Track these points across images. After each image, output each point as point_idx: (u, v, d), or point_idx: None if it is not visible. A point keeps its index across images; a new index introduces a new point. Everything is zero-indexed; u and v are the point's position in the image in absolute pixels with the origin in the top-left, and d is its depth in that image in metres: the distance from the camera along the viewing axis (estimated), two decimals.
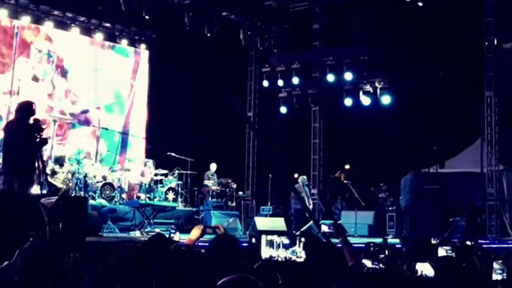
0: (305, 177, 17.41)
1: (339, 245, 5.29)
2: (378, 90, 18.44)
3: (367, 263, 5.02)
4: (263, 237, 4.25)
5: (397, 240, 13.54)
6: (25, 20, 17.20)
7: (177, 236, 5.38)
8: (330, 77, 18.68)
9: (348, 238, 5.80)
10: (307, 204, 16.89)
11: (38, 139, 9.35)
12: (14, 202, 8.23)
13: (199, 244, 5.91)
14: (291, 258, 4.24)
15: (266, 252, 4.35)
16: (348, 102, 18.85)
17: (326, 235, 5.65)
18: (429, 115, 19.46)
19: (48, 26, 17.61)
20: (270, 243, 4.36)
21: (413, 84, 19.41)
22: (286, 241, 4.32)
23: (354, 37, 18.66)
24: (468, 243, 7.55)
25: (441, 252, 6.88)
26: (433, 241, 7.70)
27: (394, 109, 18.78)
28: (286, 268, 4.32)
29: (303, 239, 4.21)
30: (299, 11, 19.11)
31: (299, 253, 4.33)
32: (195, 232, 5.32)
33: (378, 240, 10.92)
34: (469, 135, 19.50)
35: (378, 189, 19.08)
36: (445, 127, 19.08)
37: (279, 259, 4.56)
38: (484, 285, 5.48)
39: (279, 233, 7.20)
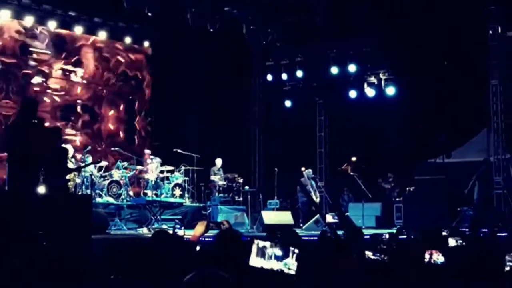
0: (310, 170, 17.40)
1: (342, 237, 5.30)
2: (382, 82, 18.43)
3: (369, 254, 5.03)
4: (255, 244, 4.07)
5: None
6: (28, 20, 17.22)
7: (181, 232, 5.38)
8: (334, 70, 18.67)
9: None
10: (314, 198, 16.87)
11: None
12: (20, 201, 8.23)
13: (206, 239, 5.92)
14: (283, 270, 4.11)
15: (256, 261, 4.18)
16: (352, 94, 18.85)
17: (332, 227, 5.65)
18: (434, 105, 19.37)
19: (51, 25, 17.63)
20: (262, 253, 4.19)
21: (417, 74, 19.33)
22: (278, 252, 4.17)
23: (357, 29, 18.60)
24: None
25: (452, 242, 6.88)
26: (444, 232, 7.69)
27: (399, 100, 18.74)
28: (276, 279, 4.22)
29: (296, 251, 4.11)
30: (302, 4, 19.04)
31: (291, 266, 4.20)
32: (199, 228, 5.33)
33: (387, 231, 10.90)
34: (475, 124, 19.42)
35: (385, 180, 19.08)
36: (451, 116, 19.00)
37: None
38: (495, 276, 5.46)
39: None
